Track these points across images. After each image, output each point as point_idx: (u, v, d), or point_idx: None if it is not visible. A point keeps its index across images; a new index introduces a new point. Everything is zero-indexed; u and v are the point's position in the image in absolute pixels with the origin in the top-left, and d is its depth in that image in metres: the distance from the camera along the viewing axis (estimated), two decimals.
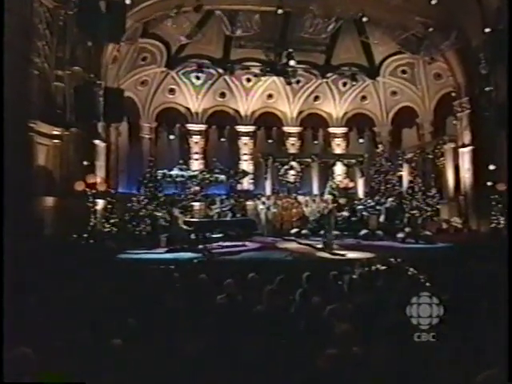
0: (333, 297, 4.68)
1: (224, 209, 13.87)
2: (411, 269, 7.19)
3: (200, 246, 10.73)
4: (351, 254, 9.28)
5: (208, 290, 5.62)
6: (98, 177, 12.38)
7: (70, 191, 10.46)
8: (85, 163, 11.48)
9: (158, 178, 12.70)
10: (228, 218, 13.25)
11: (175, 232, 10.97)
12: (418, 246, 11.15)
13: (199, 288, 5.73)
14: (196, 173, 12.82)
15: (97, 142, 12.87)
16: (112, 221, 10.72)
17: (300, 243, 12.12)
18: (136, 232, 12.41)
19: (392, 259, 7.57)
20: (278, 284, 5.72)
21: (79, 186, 10.23)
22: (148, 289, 5.80)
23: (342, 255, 9.14)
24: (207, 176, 13.18)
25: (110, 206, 10.84)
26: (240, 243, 11.95)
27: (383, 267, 7.51)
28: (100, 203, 12.01)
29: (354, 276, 6.65)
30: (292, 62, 14.80)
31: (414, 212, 12.08)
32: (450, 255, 9.14)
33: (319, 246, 10.54)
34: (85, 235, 9.87)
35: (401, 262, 7.66)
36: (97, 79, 11.63)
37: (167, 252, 10.32)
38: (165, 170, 12.66)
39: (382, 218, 13.45)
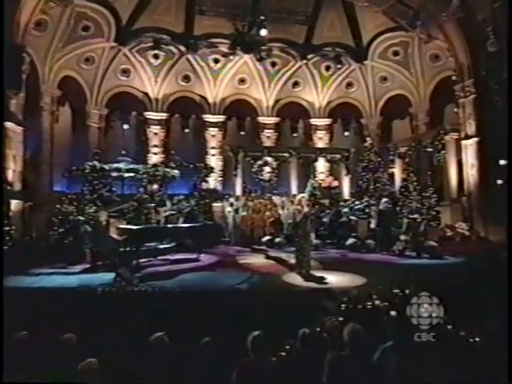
0: None
1: (173, 212, 11.05)
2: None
3: (135, 262, 8.02)
4: (333, 278, 6.58)
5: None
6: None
7: None
8: None
9: (87, 171, 9.85)
10: (180, 224, 10.47)
11: (100, 242, 8.16)
12: (422, 261, 8.56)
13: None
14: (137, 166, 9.98)
15: (9, 124, 10.06)
16: (7, 228, 7.83)
17: (268, 257, 9.45)
18: (59, 243, 9.57)
19: (397, 290, 4.93)
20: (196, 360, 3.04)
21: None
22: None
23: (321, 281, 6.42)
24: (151, 170, 10.37)
25: (5, 209, 7.95)
26: (194, 256, 9.26)
27: (383, 304, 4.86)
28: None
29: (340, 323, 4.05)
30: (263, 32, 12.11)
31: (415, 216, 9.54)
32: (471, 275, 6.55)
33: (292, 260, 7.87)
34: None
35: (410, 292, 4.99)
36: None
37: (82, 272, 7.47)
38: (94, 162, 9.84)
39: (373, 224, 10.88)
